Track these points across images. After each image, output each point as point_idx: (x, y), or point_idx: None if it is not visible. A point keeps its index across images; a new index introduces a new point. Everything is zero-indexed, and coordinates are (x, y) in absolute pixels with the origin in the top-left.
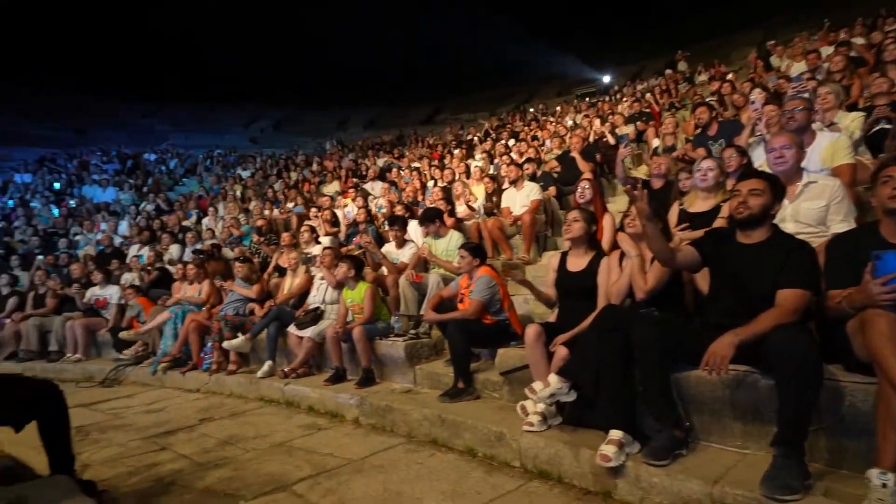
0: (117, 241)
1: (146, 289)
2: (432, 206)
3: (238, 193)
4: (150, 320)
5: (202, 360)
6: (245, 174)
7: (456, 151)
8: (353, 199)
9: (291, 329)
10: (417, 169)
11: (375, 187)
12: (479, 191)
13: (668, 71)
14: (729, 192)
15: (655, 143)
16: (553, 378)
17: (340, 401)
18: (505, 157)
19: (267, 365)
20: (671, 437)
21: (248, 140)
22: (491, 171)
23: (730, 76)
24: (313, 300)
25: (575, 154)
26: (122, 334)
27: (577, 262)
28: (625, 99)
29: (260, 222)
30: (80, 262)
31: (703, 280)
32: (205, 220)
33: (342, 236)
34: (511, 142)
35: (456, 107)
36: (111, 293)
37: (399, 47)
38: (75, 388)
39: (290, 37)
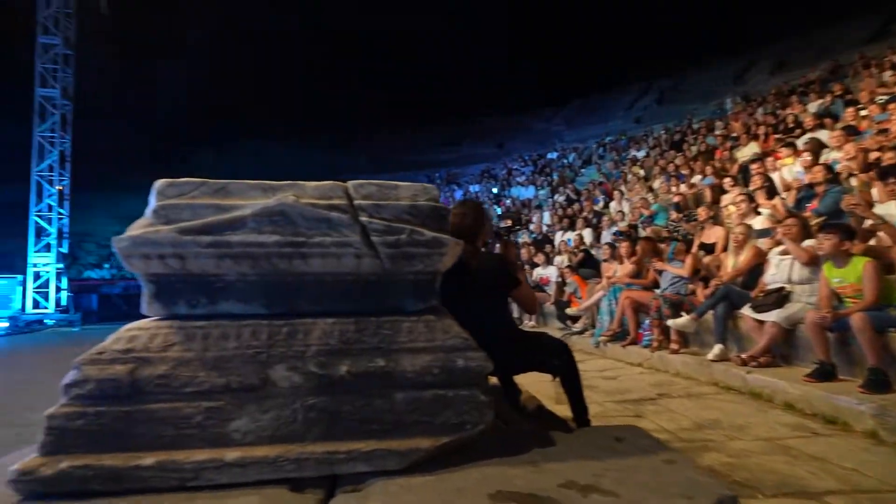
0: (545, 229)
1: (576, 268)
2: None
3: (641, 173)
4: (586, 298)
5: (641, 335)
6: (640, 154)
7: None
8: (800, 157)
9: (746, 311)
10: None
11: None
12: None
13: None
14: None
15: None
16: None
17: (840, 404)
18: None
19: (717, 348)
20: None
21: (632, 121)
22: None
23: None
24: (773, 279)
25: None
26: (568, 310)
27: None
28: None
29: (676, 198)
30: (525, 248)
31: None
32: (612, 204)
33: (790, 202)
34: None
35: None
36: (550, 273)
37: None
38: None
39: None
